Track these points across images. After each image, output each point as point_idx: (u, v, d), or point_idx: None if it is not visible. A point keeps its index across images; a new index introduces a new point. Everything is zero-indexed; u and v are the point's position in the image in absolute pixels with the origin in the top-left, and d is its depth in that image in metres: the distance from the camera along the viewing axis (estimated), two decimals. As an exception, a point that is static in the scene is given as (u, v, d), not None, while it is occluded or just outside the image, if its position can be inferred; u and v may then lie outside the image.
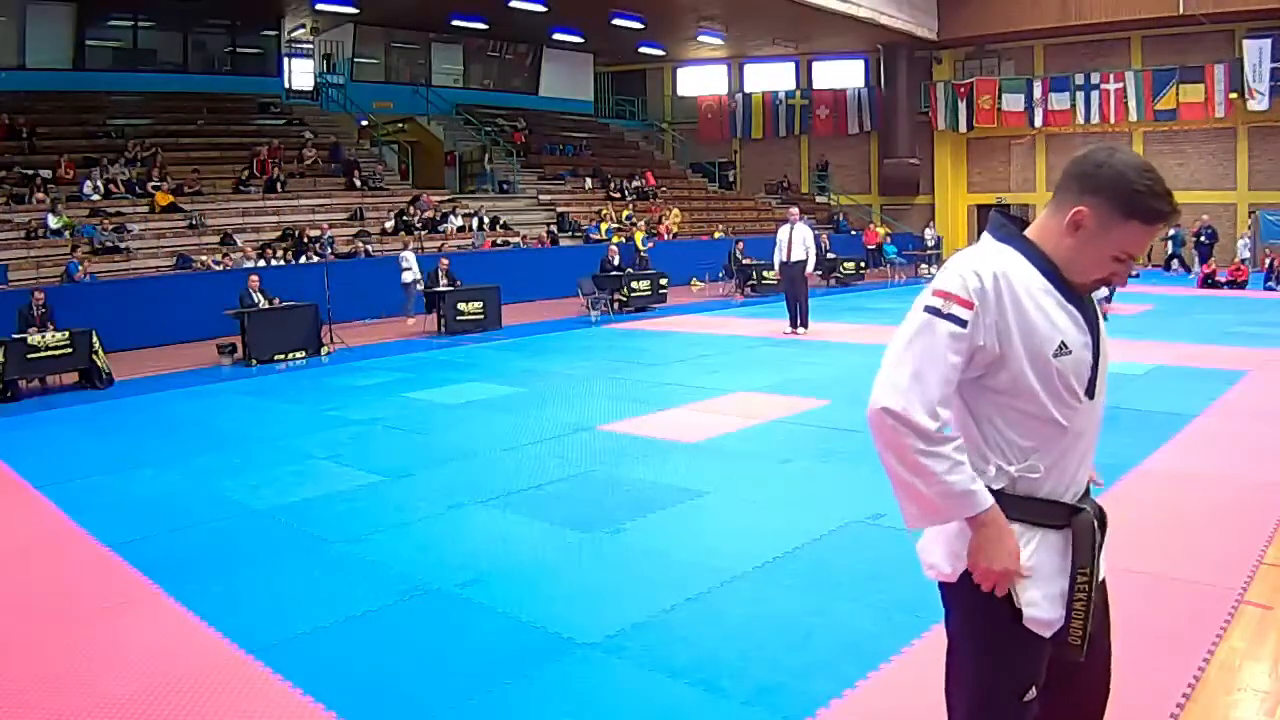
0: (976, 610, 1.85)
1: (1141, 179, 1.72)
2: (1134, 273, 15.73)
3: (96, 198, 16.40)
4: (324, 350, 12.24)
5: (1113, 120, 23.89)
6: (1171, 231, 15.09)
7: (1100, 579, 1.90)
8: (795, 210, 13.87)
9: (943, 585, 1.92)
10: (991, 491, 1.78)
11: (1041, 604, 1.81)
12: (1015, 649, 1.82)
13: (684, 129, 31.23)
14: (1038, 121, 24.91)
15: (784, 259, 13.05)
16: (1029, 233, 1.84)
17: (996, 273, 1.74)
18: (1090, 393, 1.82)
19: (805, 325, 12.97)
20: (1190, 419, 7.26)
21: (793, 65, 30.02)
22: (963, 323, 1.72)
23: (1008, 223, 1.86)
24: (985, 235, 1.88)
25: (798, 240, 13.00)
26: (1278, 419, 7.26)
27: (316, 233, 17.05)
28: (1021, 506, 1.81)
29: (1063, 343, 1.76)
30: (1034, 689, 1.85)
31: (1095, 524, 1.84)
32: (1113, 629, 2.08)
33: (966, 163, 27.82)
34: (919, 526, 1.83)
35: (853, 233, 25.50)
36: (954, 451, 1.74)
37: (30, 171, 16.25)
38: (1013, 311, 1.74)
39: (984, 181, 27.60)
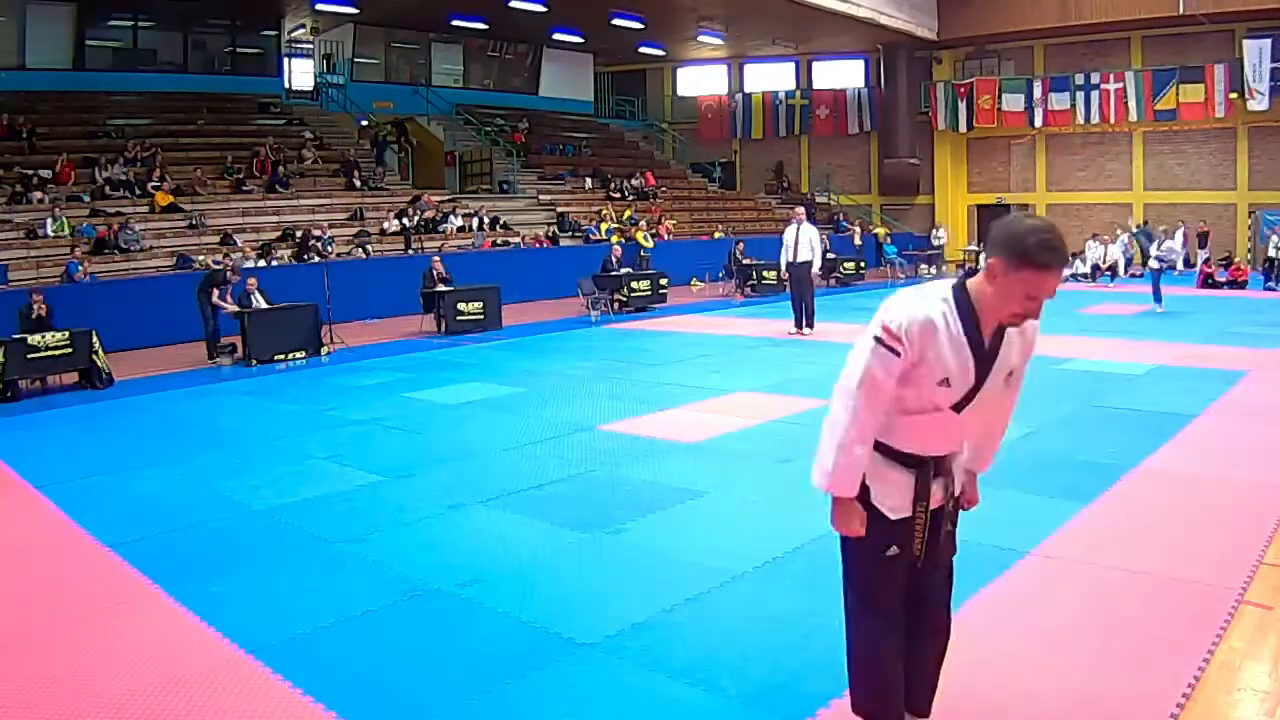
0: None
1: (1031, 235, 2.26)
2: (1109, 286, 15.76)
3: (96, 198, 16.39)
4: (324, 350, 12.24)
5: (1112, 120, 23.88)
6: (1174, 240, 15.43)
7: (939, 508, 2.64)
8: (800, 210, 13.87)
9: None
10: (877, 442, 2.54)
11: (887, 501, 2.59)
12: (872, 525, 2.58)
13: (684, 129, 31.21)
14: (1038, 121, 24.89)
15: (790, 259, 13.05)
16: (971, 280, 2.44)
17: (923, 320, 2.40)
18: (958, 410, 2.49)
19: (810, 325, 12.96)
20: (1190, 419, 7.25)
21: (793, 65, 30.01)
22: (896, 353, 2.41)
23: (969, 274, 2.51)
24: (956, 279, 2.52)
25: (804, 240, 13.01)
26: (1278, 419, 7.25)
27: (317, 233, 17.05)
28: (890, 451, 2.58)
29: (946, 379, 2.43)
30: (895, 548, 2.60)
31: (931, 471, 2.59)
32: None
33: (966, 163, 27.82)
34: (817, 485, 2.56)
35: (857, 236, 24.97)
36: (862, 458, 2.49)
37: (30, 172, 16.25)
38: (928, 350, 2.40)
39: (984, 181, 27.61)
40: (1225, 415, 7.44)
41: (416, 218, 19.26)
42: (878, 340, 2.42)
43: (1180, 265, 22.26)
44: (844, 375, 2.50)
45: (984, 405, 2.54)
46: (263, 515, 5.57)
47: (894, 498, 2.59)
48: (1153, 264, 15.46)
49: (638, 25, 24.02)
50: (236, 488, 6.14)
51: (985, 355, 2.45)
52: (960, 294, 2.44)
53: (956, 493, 2.70)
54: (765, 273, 18.53)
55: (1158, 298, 14.84)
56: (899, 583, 2.67)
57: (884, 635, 2.67)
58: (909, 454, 2.58)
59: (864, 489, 2.58)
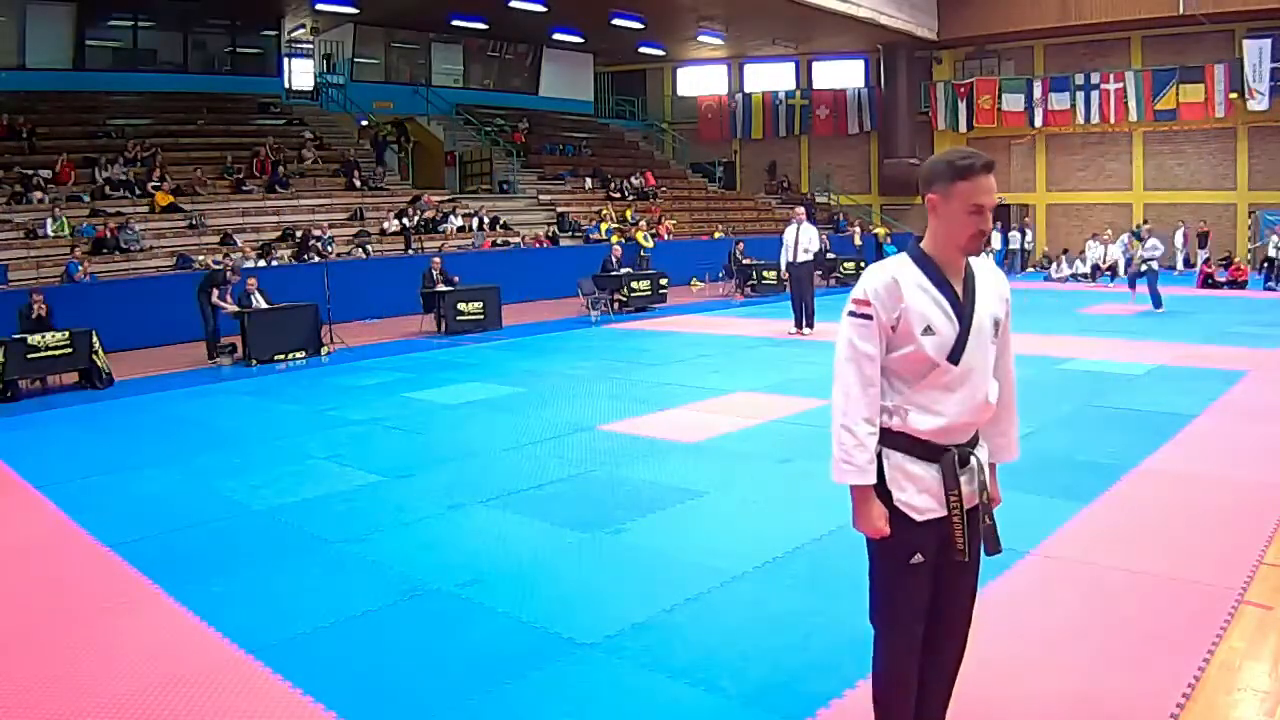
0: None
1: (950, 154, 2.47)
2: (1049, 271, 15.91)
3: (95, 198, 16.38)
4: (324, 350, 12.24)
5: (1113, 120, 23.87)
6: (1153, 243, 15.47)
7: (974, 506, 2.57)
8: (801, 210, 13.89)
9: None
10: (885, 429, 2.51)
11: (909, 500, 2.52)
12: (896, 526, 2.53)
13: (684, 129, 31.21)
14: (1038, 121, 24.88)
15: (790, 259, 13.06)
16: (923, 240, 2.55)
17: (885, 280, 2.48)
18: (954, 360, 2.48)
19: (811, 325, 12.96)
20: (1190, 419, 7.25)
21: (793, 65, 30.01)
22: (869, 316, 2.48)
23: (918, 242, 2.60)
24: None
25: (804, 240, 13.02)
26: (1278, 419, 7.25)
27: (317, 233, 17.05)
28: (906, 442, 2.53)
29: (928, 326, 2.46)
30: (919, 556, 2.54)
31: (955, 461, 2.53)
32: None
33: (966, 163, 27.77)
34: (834, 479, 2.51)
35: (857, 236, 24.96)
36: (866, 437, 2.47)
37: (30, 172, 16.25)
38: (901, 304, 2.46)
39: (984, 181, 27.53)
40: (1225, 415, 7.44)
41: (416, 218, 19.26)
42: (850, 314, 2.52)
43: (1180, 265, 22.25)
44: (834, 361, 2.56)
45: (980, 355, 2.54)
46: (263, 515, 5.57)
47: (919, 496, 2.52)
48: (1142, 267, 15.42)
49: (638, 25, 24.01)
50: (236, 488, 6.15)
51: (959, 301, 2.51)
52: (916, 252, 2.55)
53: (986, 489, 2.64)
54: (765, 273, 18.53)
55: (1156, 300, 14.82)
56: (920, 590, 2.60)
57: (895, 639, 2.65)
58: (929, 442, 2.52)
59: (886, 491, 2.53)
